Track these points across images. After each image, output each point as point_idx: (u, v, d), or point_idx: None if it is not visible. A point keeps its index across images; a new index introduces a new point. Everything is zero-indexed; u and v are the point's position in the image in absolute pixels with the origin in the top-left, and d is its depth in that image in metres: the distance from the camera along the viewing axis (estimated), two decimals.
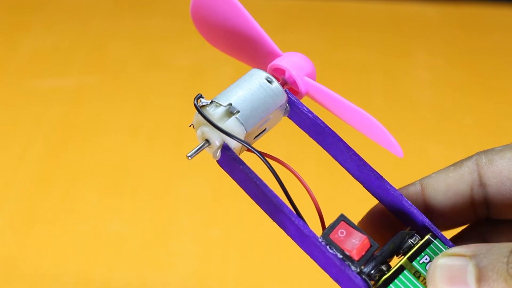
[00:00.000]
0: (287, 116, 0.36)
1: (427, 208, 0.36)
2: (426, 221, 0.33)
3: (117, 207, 0.71)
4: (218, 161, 0.34)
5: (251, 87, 0.34)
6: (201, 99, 0.33)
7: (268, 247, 0.66)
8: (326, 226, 0.33)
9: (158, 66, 0.87)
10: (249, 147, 0.33)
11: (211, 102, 0.33)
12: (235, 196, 0.68)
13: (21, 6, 0.95)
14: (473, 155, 0.36)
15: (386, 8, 0.97)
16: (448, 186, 0.36)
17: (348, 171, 0.35)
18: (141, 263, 0.66)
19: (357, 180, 0.35)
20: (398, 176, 0.69)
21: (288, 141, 0.74)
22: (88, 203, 0.71)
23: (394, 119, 0.80)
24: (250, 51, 0.36)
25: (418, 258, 0.32)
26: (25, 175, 0.73)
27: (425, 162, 0.75)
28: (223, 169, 0.34)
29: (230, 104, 0.33)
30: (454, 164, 0.36)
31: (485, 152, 0.36)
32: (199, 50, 0.88)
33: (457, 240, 0.37)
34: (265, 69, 0.36)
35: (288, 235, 0.33)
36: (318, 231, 0.33)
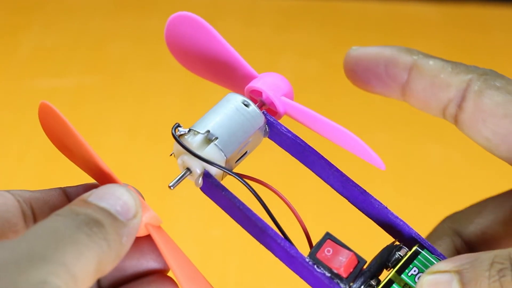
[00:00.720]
0: (268, 137, 0.36)
1: None
2: (413, 232, 0.33)
3: None
4: (201, 188, 0.34)
5: (228, 112, 0.34)
6: (178, 128, 0.33)
7: None
8: (314, 244, 0.33)
9: (158, 66, 0.87)
10: (230, 173, 0.33)
11: (189, 130, 0.33)
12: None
13: (21, 6, 0.95)
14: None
15: (386, 8, 0.97)
16: None
17: (332, 187, 0.35)
18: None
19: (341, 195, 0.35)
20: (399, 176, 0.69)
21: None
22: None
23: (394, 119, 0.80)
24: (227, 74, 0.36)
25: (406, 271, 0.32)
26: (25, 175, 0.73)
27: (425, 162, 0.75)
28: (207, 195, 0.34)
29: (208, 131, 0.33)
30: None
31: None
32: None
33: None
34: (243, 92, 0.36)
35: (276, 256, 0.33)
36: (306, 250, 0.33)
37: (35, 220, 0.31)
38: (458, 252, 0.36)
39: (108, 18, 0.94)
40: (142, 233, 0.31)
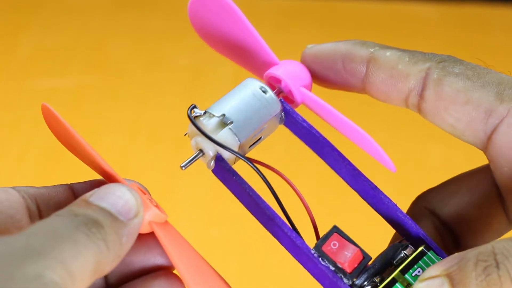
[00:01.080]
0: (284, 124, 0.35)
1: None
2: (421, 232, 0.33)
3: None
4: (212, 171, 0.34)
5: (244, 97, 0.34)
6: (194, 109, 0.33)
7: (268, 247, 0.66)
8: (320, 235, 0.33)
9: (158, 66, 0.87)
10: (242, 158, 0.33)
11: (205, 112, 0.33)
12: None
13: (21, 6, 0.95)
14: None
15: (386, 8, 0.96)
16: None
17: (344, 180, 0.35)
18: None
19: (352, 188, 0.35)
20: (399, 176, 0.69)
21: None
22: None
23: (394, 118, 0.80)
24: (248, 57, 0.36)
25: (410, 271, 0.32)
26: (24, 174, 0.74)
27: (425, 161, 0.75)
28: (218, 178, 0.34)
29: (224, 115, 0.33)
30: None
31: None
32: (199, 50, 0.88)
33: None
34: (262, 77, 0.36)
35: (282, 245, 0.33)
36: (313, 241, 0.33)
37: (41, 216, 0.31)
38: (438, 232, 0.36)
39: (108, 18, 0.94)
40: (146, 230, 0.31)
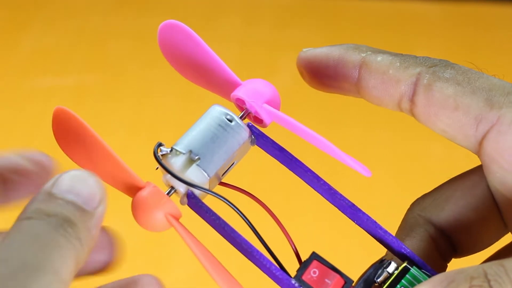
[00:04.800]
0: (256, 145, 0.35)
1: None
2: (403, 247, 0.32)
3: (117, 207, 0.71)
4: (188, 205, 0.34)
5: (210, 129, 0.33)
6: (161, 147, 0.33)
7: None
8: (303, 258, 0.32)
9: (158, 64, 0.86)
10: (213, 194, 0.33)
11: (171, 150, 0.33)
12: (234, 196, 0.68)
13: (21, 4, 0.94)
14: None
15: (387, 6, 0.95)
16: None
17: (322, 197, 0.34)
18: (140, 263, 0.67)
19: (333, 205, 0.34)
20: (400, 175, 0.68)
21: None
22: None
23: (395, 117, 0.78)
24: (215, 82, 0.35)
25: None
26: None
27: (427, 161, 0.74)
28: (194, 211, 0.34)
29: (190, 151, 0.32)
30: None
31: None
32: None
33: None
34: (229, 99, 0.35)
35: (265, 274, 0.33)
36: (295, 265, 0.33)
37: None
38: (433, 240, 0.35)
39: (108, 16, 0.93)
40: (163, 227, 0.31)
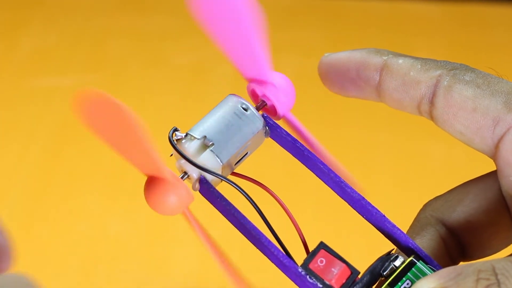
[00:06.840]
0: (270, 137, 0.35)
1: None
2: (410, 242, 0.33)
3: (117, 207, 0.72)
4: (199, 191, 0.34)
5: (225, 116, 0.33)
6: (176, 132, 0.33)
7: None
8: (310, 248, 0.33)
9: (158, 64, 0.87)
10: (225, 180, 0.33)
11: (186, 135, 0.33)
12: (234, 196, 0.68)
13: (21, 3, 0.95)
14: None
15: (388, 6, 0.95)
16: None
17: (332, 190, 0.35)
18: (140, 263, 0.67)
19: (342, 199, 0.35)
20: (401, 175, 0.68)
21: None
22: (88, 203, 0.72)
23: (396, 117, 0.79)
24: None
25: (399, 283, 0.32)
26: (24, 174, 0.74)
27: (427, 161, 0.74)
28: (205, 198, 0.34)
29: (205, 137, 0.33)
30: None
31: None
32: (199, 48, 0.88)
33: None
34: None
35: (272, 262, 0.33)
36: (303, 254, 0.33)
37: None
38: (443, 241, 0.35)
39: (108, 16, 0.94)
40: (174, 210, 0.32)
